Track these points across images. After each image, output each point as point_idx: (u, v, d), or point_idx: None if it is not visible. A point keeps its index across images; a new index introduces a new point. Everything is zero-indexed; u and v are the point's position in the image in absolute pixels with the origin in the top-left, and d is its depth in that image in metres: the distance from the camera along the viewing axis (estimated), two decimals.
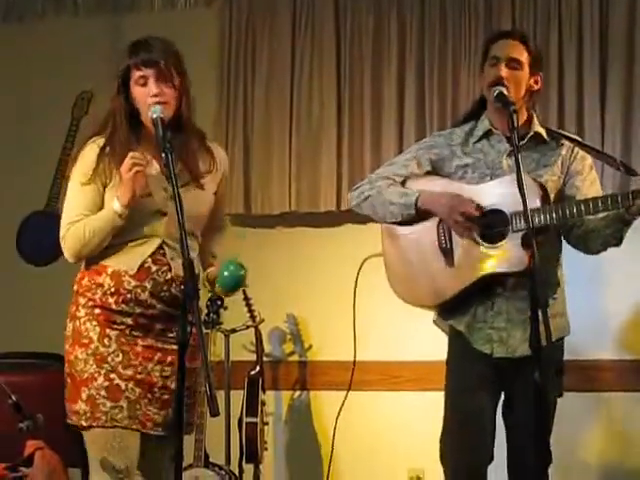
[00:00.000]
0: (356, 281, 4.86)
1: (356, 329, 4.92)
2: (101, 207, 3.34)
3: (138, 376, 3.31)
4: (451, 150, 3.74)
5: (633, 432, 4.92)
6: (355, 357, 4.91)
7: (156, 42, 3.36)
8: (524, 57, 3.66)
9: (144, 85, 3.32)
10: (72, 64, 5.60)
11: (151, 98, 3.30)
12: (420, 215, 3.68)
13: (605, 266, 4.82)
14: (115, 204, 3.28)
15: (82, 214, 3.33)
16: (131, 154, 3.27)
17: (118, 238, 3.34)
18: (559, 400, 3.63)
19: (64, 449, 3.75)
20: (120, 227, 3.30)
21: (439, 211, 3.65)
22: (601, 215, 3.58)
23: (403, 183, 3.75)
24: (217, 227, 3.57)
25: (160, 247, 3.35)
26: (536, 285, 3.11)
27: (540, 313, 3.10)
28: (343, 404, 4.98)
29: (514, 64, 3.64)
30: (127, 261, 3.33)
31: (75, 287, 3.40)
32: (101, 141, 3.38)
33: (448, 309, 3.71)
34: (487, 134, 3.72)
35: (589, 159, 3.73)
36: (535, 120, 3.72)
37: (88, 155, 3.37)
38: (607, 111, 4.93)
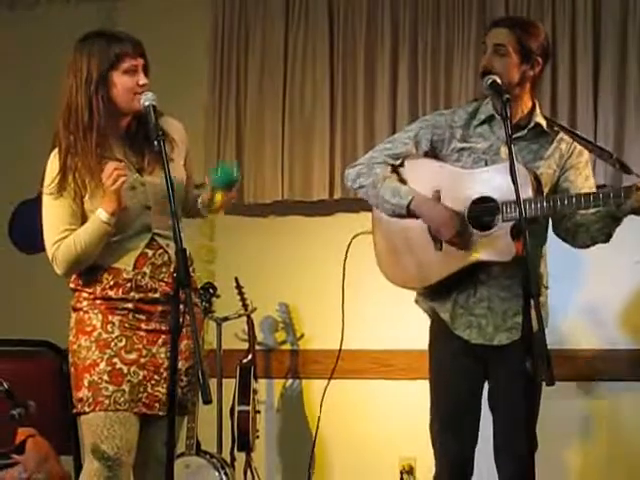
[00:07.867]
0: (345, 259, 4.86)
1: (346, 317, 4.92)
2: (81, 217, 3.30)
3: (142, 359, 3.30)
4: (451, 132, 3.72)
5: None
6: (341, 345, 4.92)
7: (128, 34, 3.34)
8: (509, 43, 3.62)
9: (133, 74, 3.29)
10: (64, 52, 5.56)
11: (140, 87, 3.27)
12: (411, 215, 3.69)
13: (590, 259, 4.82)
14: (102, 214, 3.23)
15: (66, 229, 3.29)
16: (113, 165, 3.22)
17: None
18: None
19: (56, 437, 3.74)
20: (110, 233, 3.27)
21: (428, 223, 3.65)
22: (592, 210, 3.58)
23: (401, 165, 3.75)
24: (195, 194, 3.56)
25: (152, 239, 3.34)
26: (529, 273, 3.11)
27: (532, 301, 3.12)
28: (325, 391, 4.98)
29: (500, 50, 3.62)
30: (122, 259, 3.31)
31: (72, 285, 3.38)
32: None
33: (431, 292, 3.72)
34: (489, 119, 3.70)
35: (586, 155, 3.71)
36: (537, 110, 3.70)
37: (54, 167, 3.32)
38: (600, 100, 4.93)
